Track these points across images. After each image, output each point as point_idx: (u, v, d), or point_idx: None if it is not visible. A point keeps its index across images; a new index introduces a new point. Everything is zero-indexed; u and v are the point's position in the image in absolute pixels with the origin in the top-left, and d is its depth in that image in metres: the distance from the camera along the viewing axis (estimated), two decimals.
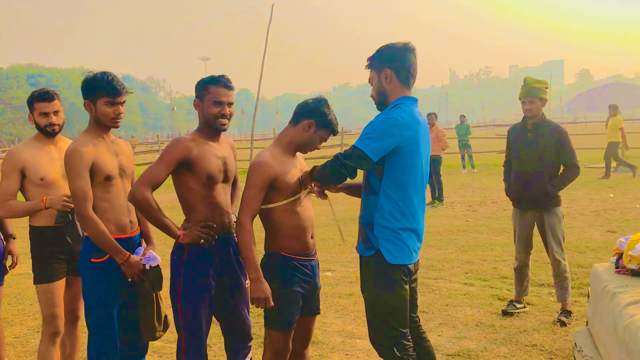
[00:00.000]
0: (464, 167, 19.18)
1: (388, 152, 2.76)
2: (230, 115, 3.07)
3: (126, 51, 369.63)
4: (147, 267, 3.09)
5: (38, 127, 3.54)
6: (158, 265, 3.15)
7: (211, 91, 3.01)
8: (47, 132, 3.54)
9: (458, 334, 4.64)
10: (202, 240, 2.97)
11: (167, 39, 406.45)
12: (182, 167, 2.96)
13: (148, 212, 2.90)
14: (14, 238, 4.02)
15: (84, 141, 3.04)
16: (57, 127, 3.54)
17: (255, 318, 5.11)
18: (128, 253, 3.06)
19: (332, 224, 9.59)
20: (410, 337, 2.94)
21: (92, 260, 3.06)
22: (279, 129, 35.40)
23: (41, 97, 3.50)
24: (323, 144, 3.18)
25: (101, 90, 3.04)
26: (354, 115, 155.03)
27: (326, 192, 3.19)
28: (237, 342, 3.25)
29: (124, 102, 3.12)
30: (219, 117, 3.01)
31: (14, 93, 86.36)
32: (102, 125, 3.10)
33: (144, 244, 3.36)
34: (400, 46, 2.91)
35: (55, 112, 3.53)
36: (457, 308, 5.26)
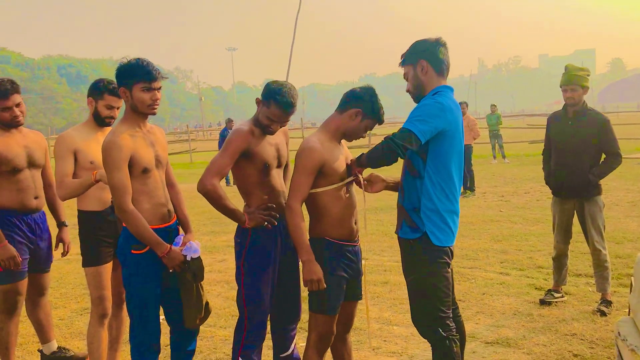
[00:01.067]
0: (494, 157, 19.00)
1: (433, 136, 2.84)
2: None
3: (154, 42, 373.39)
4: (188, 258, 3.12)
5: (98, 115, 3.60)
6: (199, 256, 3.20)
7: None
8: (104, 123, 3.63)
9: (496, 322, 4.64)
10: (266, 223, 3.07)
11: (194, 30, 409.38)
12: (241, 156, 3.08)
13: (217, 201, 3.03)
14: (66, 226, 4.13)
15: (121, 132, 3.01)
16: (113, 121, 3.64)
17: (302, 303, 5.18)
18: (169, 246, 3.06)
19: (364, 213, 9.60)
20: (452, 319, 2.99)
21: (132, 252, 3.08)
22: (305, 119, 35.64)
23: (114, 92, 3.53)
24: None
25: (137, 75, 2.97)
26: (382, 105, 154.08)
27: (365, 185, 3.21)
28: (285, 322, 3.34)
29: (160, 87, 3.06)
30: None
31: (45, 83, 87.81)
32: (138, 112, 3.05)
33: (181, 231, 3.40)
34: (433, 40, 3.02)
35: (118, 108, 3.62)
36: (494, 297, 5.25)
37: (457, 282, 5.56)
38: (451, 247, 2.99)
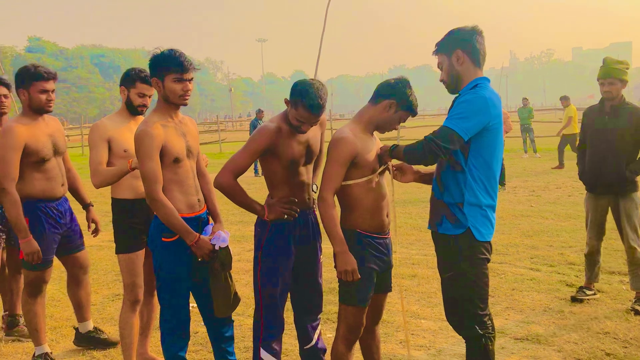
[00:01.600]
0: (525, 151, 18.71)
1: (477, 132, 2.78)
2: None
3: (185, 32, 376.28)
4: (217, 247, 3.14)
5: (130, 104, 3.65)
6: (227, 245, 3.22)
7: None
8: (137, 112, 3.67)
9: (525, 318, 4.58)
10: (286, 216, 3.09)
11: (225, 21, 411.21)
12: (267, 153, 3.09)
13: (233, 196, 3.10)
14: (92, 206, 4.22)
15: (154, 122, 3.04)
16: (145, 109, 3.69)
17: (327, 295, 5.19)
18: (198, 234, 3.08)
19: (392, 205, 9.56)
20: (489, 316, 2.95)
21: (163, 239, 3.12)
22: (334, 111, 35.58)
23: (145, 80, 3.58)
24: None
25: (169, 66, 2.99)
26: None
27: (396, 174, 3.20)
28: (308, 314, 3.36)
29: (192, 79, 3.09)
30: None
31: (79, 73, 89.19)
32: (170, 103, 3.08)
33: (211, 221, 3.42)
34: (469, 29, 2.94)
35: (150, 96, 3.67)
36: (524, 293, 5.18)
37: None
38: (490, 243, 2.95)
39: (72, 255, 4.11)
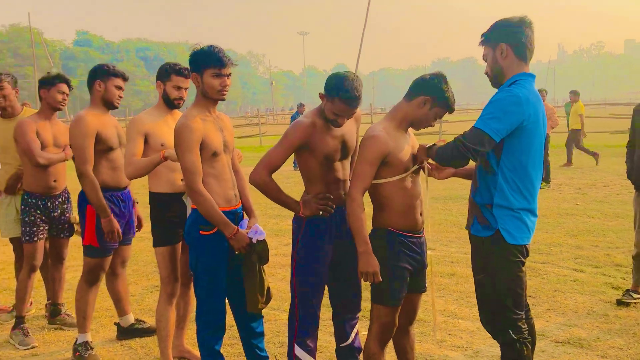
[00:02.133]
0: None
1: (510, 132, 2.67)
2: None
3: (228, 26, 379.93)
4: (254, 240, 3.15)
5: (167, 97, 3.69)
6: (265, 239, 3.22)
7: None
8: (174, 105, 3.71)
9: (568, 321, 4.44)
10: (321, 212, 3.06)
11: (266, 14, 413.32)
12: (302, 148, 3.07)
13: (267, 192, 3.09)
14: (137, 202, 4.31)
15: (193, 115, 3.08)
16: (182, 102, 3.73)
17: (363, 292, 5.15)
18: (236, 227, 3.11)
19: (430, 203, 9.44)
20: (524, 320, 2.85)
21: (200, 232, 3.14)
22: (375, 105, 35.26)
23: (180, 72, 3.64)
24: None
25: (208, 62, 3.05)
26: (455, 91, 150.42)
27: (433, 170, 3.12)
28: (346, 312, 3.33)
29: (230, 74, 3.13)
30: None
31: (124, 66, 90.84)
32: (208, 98, 3.13)
33: (245, 216, 3.44)
34: (516, 20, 2.79)
35: (186, 89, 3.70)
36: (567, 294, 5.02)
37: (528, 278, 5.29)
38: (527, 246, 2.83)
39: (120, 246, 4.21)
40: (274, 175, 3.15)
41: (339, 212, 3.17)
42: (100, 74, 3.96)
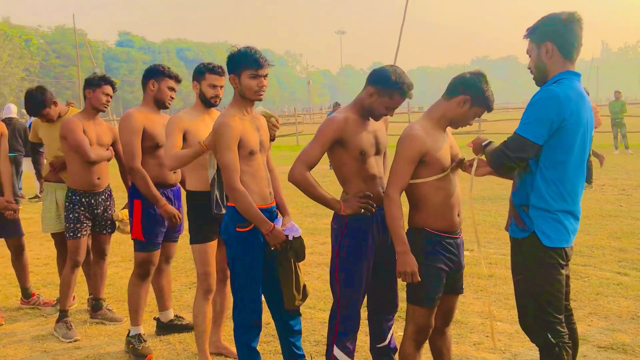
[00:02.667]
0: (616, 147, 17.72)
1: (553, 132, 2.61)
2: None
3: (266, 26, 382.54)
4: (290, 237, 3.18)
5: (203, 96, 3.74)
6: (300, 236, 3.24)
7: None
8: (210, 103, 3.76)
9: (610, 325, 4.32)
10: (363, 210, 3.03)
11: (304, 14, 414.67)
12: (336, 144, 3.05)
13: (307, 189, 3.05)
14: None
15: (232, 115, 3.15)
16: (218, 100, 3.77)
17: (400, 292, 5.12)
18: (273, 224, 3.15)
19: (469, 203, 9.32)
20: (564, 324, 2.78)
21: (237, 229, 3.19)
22: (412, 103, 35.10)
23: (214, 70, 3.70)
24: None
25: (245, 63, 3.11)
26: (495, 90, 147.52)
27: (466, 171, 3.07)
28: (383, 312, 3.31)
29: (267, 75, 3.19)
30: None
31: None
32: (245, 98, 3.19)
33: (279, 214, 3.44)
34: (565, 17, 2.69)
35: (221, 87, 3.75)
36: (609, 298, 4.89)
37: (569, 280, 5.23)
38: (566, 249, 2.75)
39: (165, 243, 4.30)
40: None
41: (379, 211, 3.13)
42: (155, 74, 4.07)
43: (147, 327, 4.58)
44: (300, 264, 3.35)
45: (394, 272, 2.95)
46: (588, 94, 10.57)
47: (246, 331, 3.29)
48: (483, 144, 2.88)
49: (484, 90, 2.90)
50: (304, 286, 3.36)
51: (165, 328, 4.50)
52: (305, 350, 3.94)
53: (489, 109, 2.96)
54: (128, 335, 4.19)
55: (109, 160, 4.62)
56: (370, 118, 3.13)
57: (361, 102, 3.10)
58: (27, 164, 10.81)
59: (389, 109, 3.05)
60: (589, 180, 11.06)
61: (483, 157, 2.93)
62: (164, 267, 4.46)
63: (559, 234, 2.70)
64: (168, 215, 4.00)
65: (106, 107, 4.53)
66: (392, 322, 3.37)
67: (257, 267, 3.25)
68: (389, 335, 3.36)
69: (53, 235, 4.96)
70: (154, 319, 4.59)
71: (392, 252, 3.07)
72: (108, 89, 4.49)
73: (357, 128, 3.06)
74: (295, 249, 3.19)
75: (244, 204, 3.10)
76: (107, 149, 4.57)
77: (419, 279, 2.86)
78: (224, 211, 3.43)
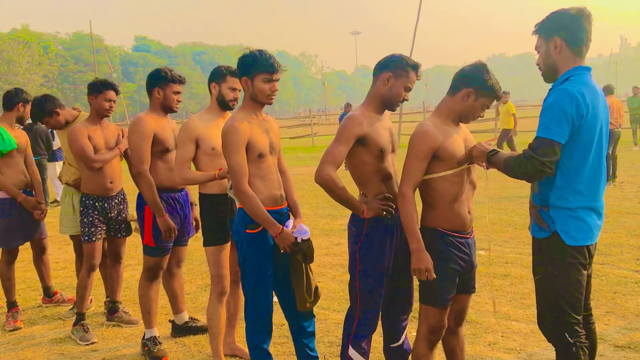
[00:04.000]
0: (635, 143, 17.47)
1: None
2: None
3: (281, 28, 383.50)
4: (299, 240, 3.19)
5: (222, 99, 3.75)
6: (309, 238, 3.23)
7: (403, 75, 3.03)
8: (228, 106, 3.77)
9: (628, 324, 4.26)
10: (384, 213, 3.02)
11: (318, 15, 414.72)
12: (356, 143, 3.02)
13: (334, 190, 2.98)
14: (196, 205, 4.40)
15: (240, 118, 3.17)
16: (236, 104, 3.78)
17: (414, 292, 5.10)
18: (281, 226, 3.15)
19: (485, 202, 9.27)
20: (582, 325, 2.76)
21: (247, 231, 3.21)
22: (427, 103, 34.83)
23: (233, 73, 3.71)
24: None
25: (260, 67, 3.12)
26: (511, 87, 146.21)
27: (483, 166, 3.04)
28: (397, 312, 3.29)
29: (279, 79, 3.23)
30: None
31: (181, 70, 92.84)
32: (257, 101, 3.21)
33: (291, 216, 3.46)
34: (574, 12, 2.67)
35: (240, 90, 3.76)
36: (627, 297, 4.83)
37: (591, 279, 5.17)
38: (589, 247, 2.72)
39: (175, 247, 4.33)
40: None
41: (397, 212, 3.09)
42: (158, 81, 4.06)
43: (163, 330, 4.62)
44: (315, 265, 3.35)
45: (409, 273, 2.93)
46: (613, 90, 10.35)
47: (257, 332, 3.31)
48: (488, 152, 2.85)
49: (485, 80, 2.87)
50: (316, 288, 3.35)
51: (181, 330, 4.53)
52: (320, 352, 3.94)
53: (496, 97, 2.93)
54: (143, 337, 4.23)
55: (119, 155, 4.63)
56: (383, 113, 3.13)
57: (376, 94, 3.07)
58: (51, 169, 10.99)
59: (407, 89, 3.03)
60: (613, 174, 10.93)
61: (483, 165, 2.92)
62: (175, 270, 4.49)
63: (582, 232, 2.68)
64: (165, 228, 3.98)
65: (109, 113, 4.54)
66: (406, 322, 3.35)
67: (267, 269, 3.26)
68: (403, 336, 3.35)
69: (72, 237, 5.04)
70: (169, 321, 4.63)
71: (408, 252, 3.06)
72: (110, 94, 4.50)
73: (376, 125, 3.06)
74: (304, 251, 3.19)
75: (251, 206, 3.12)
76: (114, 148, 4.57)
77: (434, 276, 2.84)
78: None
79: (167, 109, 4.11)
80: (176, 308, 4.57)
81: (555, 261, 2.69)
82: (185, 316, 4.59)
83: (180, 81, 4.12)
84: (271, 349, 3.43)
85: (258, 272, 3.24)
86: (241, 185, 3.11)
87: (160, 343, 4.18)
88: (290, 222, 3.29)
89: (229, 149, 3.12)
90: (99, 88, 4.46)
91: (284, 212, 3.35)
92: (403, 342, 3.36)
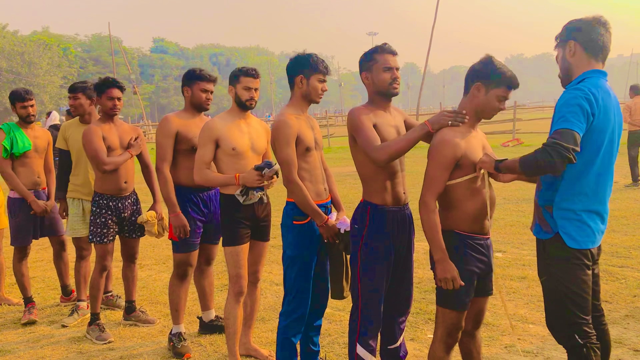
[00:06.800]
0: None
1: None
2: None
3: (297, 29, 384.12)
4: (342, 230, 3.33)
5: (239, 100, 3.77)
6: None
7: (378, 59, 3.15)
8: (246, 106, 3.78)
9: None
10: (450, 123, 2.90)
11: (335, 16, 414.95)
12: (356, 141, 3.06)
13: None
14: None
15: (290, 114, 3.37)
16: (254, 103, 3.80)
17: (422, 294, 5.08)
18: (327, 217, 3.33)
19: (502, 204, 9.20)
20: (592, 325, 2.73)
21: (294, 222, 3.38)
22: (445, 104, 34.70)
23: (248, 73, 3.74)
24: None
25: (317, 68, 3.38)
26: (530, 88, 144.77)
27: (498, 179, 3.01)
28: (398, 314, 3.36)
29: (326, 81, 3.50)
30: (392, 82, 3.15)
31: None
32: (307, 99, 3.42)
33: (333, 210, 3.61)
34: (589, 19, 2.71)
35: (256, 90, 3.78)
36: None
37: (605, 282, 5.11)
38: (592, 249, 2.72)
39: (205, 245, 4.38)
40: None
41: (398, 212, 3.16)
42: (187, 79, 4.14)
43: (191, 326, 4.65)
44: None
45: (409, 275, 2.94)
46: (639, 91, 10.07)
47: (291, 324, 3.44)
48: (497, 160, 2.80)
49: (490, 70, 2.83)
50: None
51: (206, 327, 4.58)
52: (334, 352, 3.95)
53: (511, 83, 2.84)
54: (170, 333, 4.31)
55: (132, 157, 4.64)
56: (388, 109, 3.22)
57: (371, 89, 3.20)
58: None
59: (390, 73, 3.13)
60: (635, 178, 10.79)
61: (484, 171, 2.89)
62: (204, 268, 4.53)
63: (584, 236, 2.67)
64: (176, 224, 4.01)
65: (115, 111, 4.52)
66: (404, 324, 3.40)
67: (311, 259, 3.44)
68: (401, 338, 3.37)
69: (74, 239, 5.09)
70: (197, 317, 4.68)
71: (407, 255, 3.06)
72: (112, 92, 4.47)
73: (384, 120, 3.14)
74: (346, 241, 3.33)
75: (300, 196, 3.29)
76: (127, 149, 4.57)
77: (462, 283, 2.82)
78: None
79: (197, 106, 4.17)
80: (204, 305, 4.62)
81: (558, 262, 2.69)
82: (212, 314, 4.62)
83: (209, 79, 4.15)
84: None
85: (301, 263, 3.40)
86: (291, 176, 3.28)
87: (185, 339, 4.25)
88: (334, 215, 3.46)
89: (280, 141, 3.29)
90: (100, 87, 4.49)
91: (327, 205, 3.52)
92: (400, 345, 3.38)
